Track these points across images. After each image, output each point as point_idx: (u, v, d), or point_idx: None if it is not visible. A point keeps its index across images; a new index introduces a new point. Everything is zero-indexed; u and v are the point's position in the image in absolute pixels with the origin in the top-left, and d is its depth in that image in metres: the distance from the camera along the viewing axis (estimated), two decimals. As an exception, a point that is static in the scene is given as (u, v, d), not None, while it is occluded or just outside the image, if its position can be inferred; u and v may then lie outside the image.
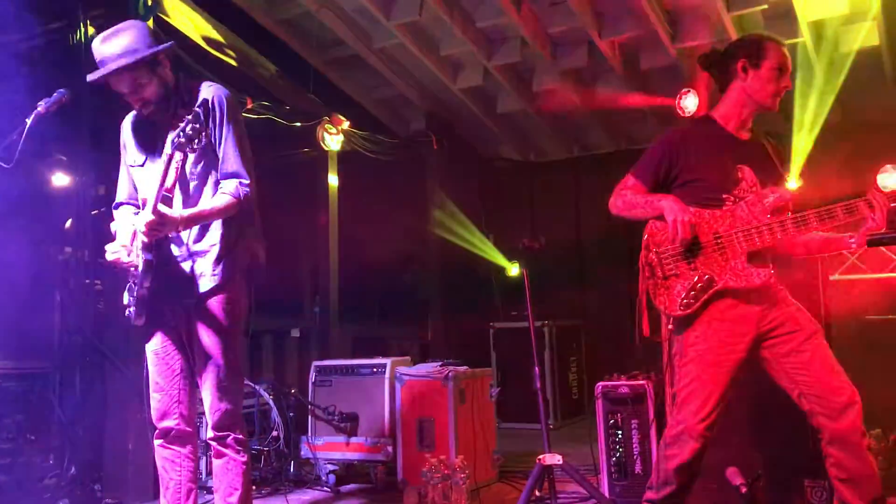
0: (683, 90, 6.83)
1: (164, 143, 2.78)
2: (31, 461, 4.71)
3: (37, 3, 4.84)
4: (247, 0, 6.47)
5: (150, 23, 5.03)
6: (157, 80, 2.91)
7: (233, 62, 6.34)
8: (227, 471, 3.01)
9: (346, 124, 7.44)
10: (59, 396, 4.91)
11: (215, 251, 2.98)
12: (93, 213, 5.11)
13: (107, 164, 4.89)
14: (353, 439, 5.09)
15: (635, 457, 4.17)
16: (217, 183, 2.98)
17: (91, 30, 5.01)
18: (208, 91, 2.96)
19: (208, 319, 2.97)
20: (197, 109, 2.72)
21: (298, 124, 6.95)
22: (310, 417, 5.27)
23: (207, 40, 6.02)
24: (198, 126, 2.68)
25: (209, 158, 2.98)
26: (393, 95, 8.23)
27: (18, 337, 4.78)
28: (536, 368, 4.04)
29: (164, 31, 5.37)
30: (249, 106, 6.25)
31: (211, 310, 2.97)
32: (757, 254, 2.93)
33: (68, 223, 5.53)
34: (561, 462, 3.82)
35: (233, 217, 2.99)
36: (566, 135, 8.87)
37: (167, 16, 5.54)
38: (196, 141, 2.70)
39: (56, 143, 5.30)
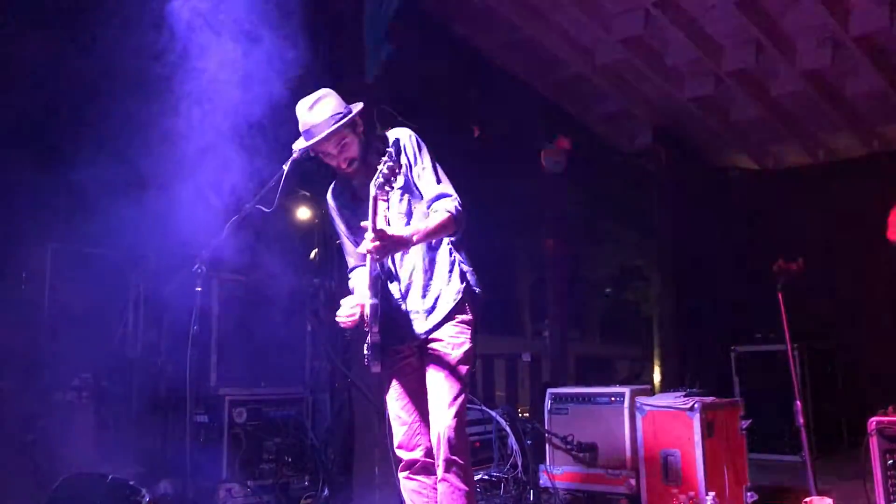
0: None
1: (367, 202, 2.94)
2: (289, 482, 5.02)
3: (277, 59, 5.21)
4: (467, 30, 6.58)
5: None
6: (357, 138, 3.12)
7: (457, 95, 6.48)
8: (451, 500, 3.02)
9: (569, 145, 7.35)
10: (312, 421, 5.22)
11: (442, 308, 3.08)
12: (337, 242, 5.39)
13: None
14: (593, 470, 4.94)
15: (922, 503, 3.68)
16: (425, 214, 3.09)
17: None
18: (396, 132, 3.14)
19: (436, 357, 3.08)
20: (390, 149, 2.86)
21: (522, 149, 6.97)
22: (547, 445, 5.19)
23: (431, 78, 6.18)
24: (391, 164, 2.80)
25: (412, 195, 3.12)
26: (616, 111, 8.02)
27: (276, 365, 5.14)
28: (798, 402, 3.69)
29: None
30: (477, 135, 6.35)
31: (438, 349, 3.08)
32: None
33: (313, 254, 5.89)
34: (832, 507, 3.45)
35: (451, 265, 3.12)
36: (809, 140, 8.17)
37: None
38: (393, 178, 2.82)
39: (300, 180, 5.67)
